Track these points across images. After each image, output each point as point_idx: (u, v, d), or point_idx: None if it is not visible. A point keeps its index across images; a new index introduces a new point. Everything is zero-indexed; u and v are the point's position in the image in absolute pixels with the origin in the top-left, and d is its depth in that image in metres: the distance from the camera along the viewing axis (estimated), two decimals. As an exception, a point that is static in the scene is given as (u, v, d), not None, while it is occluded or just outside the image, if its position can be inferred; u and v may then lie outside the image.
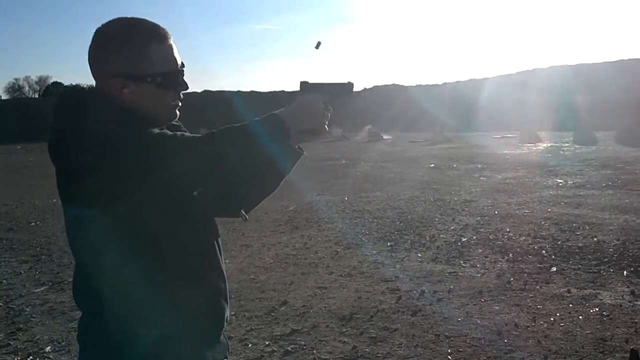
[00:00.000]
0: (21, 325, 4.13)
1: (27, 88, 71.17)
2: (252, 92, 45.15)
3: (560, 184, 10.12)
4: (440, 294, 4.50)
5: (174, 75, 1.32)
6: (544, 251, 5.62)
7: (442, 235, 6.51)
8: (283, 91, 42.82)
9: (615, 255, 5.31)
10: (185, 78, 1.36)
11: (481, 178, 11.53)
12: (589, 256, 5.36)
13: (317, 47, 1.51)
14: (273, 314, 4.18)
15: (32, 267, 5.77)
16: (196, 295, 1.33)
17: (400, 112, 34.94)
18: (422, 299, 4.38)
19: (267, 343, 3.68)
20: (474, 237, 6.33)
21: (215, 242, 1.43)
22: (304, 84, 1.42)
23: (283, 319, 4.08)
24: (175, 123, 1.40)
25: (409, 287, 4.68)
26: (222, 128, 1.24)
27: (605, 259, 5.23)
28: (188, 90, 1.39)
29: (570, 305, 4.14)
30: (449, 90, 40.19)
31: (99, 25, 1.31)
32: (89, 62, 1.31)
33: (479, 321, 3.90)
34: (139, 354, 1.26)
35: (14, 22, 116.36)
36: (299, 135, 1.34)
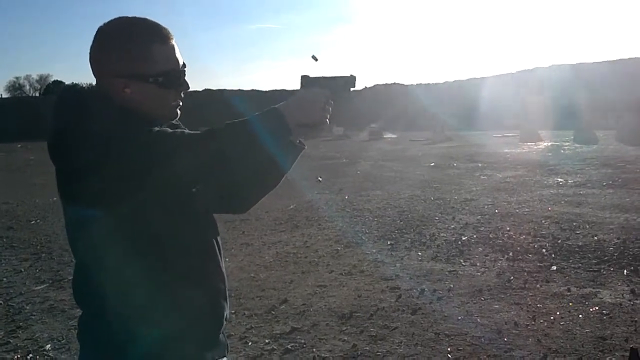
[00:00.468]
0: (21, 323, 4.14)
1: (27, 87, 71.24)
2: (252, 90, 45.11)
3: (561, 183, 10.12)
4: (440, 292, 4.50)
5: (176, 75, 1.32)
6: (544, 250, 5.62)
7: (442, 234, 6.51)
8: (284, 90, 42.78)
9: (616, 254, 5.31)
10: (186, 78, 1.36)
11: (481, 177, 11.53)
12: (589, 255, 5.36)
13: (315, 59, 1.49)
14: (273, 312, 4.19)
15: (32, 265, 5.78)
16: (198, 295, 1.33)
17: (401, 111, 34.92)
18: (422, 298, 4.39)
19: (267, 341, 3.68)
20: (474, 236, 6.33)
21: (216, 241, 1.43)
22: (304, 78, 1.41)
23: (283, 317, 4.08)
24: (174, 122, 1.40)
25: (409, 286, 4.68)
26: (222, 125, 1.24)
27: (606, 258, 5.23)
28: (189, 90, 1.39)
29: (570, 304, 4.14)
30: (450, 89, 40.16)
31: (100, 24, 1.31)
32: (90, 61, 1.30)
33: (479, 320, 3.90)
34: (140, 354, 1.26)
35: (14, 21, 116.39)
36: (299, 129, 1.32)
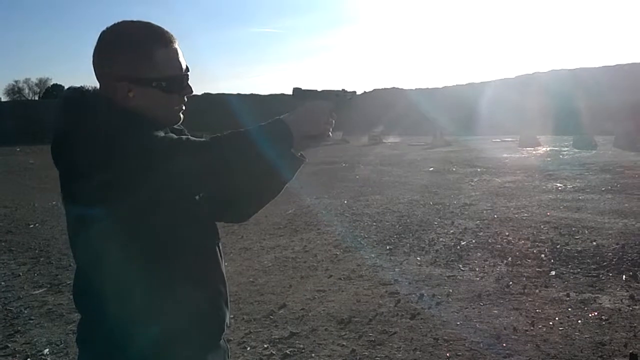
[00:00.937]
0: (19, 328, 4.13)
1: (27, 90, 71.20)
2: (252, 94, 45.15)
3: (560, 188, 10.13)
4: (439, 297, 4.50)
5: (179, 79, 1.33)
6: (543, 255, 5.62)
7: (441, 239, 6.51)
8: (283, 94, 42.82)
9: (614, 260, 5.31)
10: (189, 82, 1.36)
11: (480, 182, 11.54)
12: (588, 260, 5.36)
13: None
14: (272, 317, 4.18)
15: (30, 269, 5.77)
16: (199, 297, 1.33)
17: (400, 115, 34.96)
18: (421, 303, 4.38)
19: (265, 346, 3.67)
20: (473, 241, 6.33)
21: (217, 246, 1.43)
22: (296, 91, 1.41)
23: (282, 322, 4.07)
24: (177, 127, 1.41)
25: (407, 291, 4.67)
26: (227, 133, 1.24)
27: (605, 263, 5.23)
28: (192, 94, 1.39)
29: (569, 309, 4.14)
30: (449, 94, 40.21)
31: (100, 27, 1.31)
32: (94, 65, 1.31)
33: (477, 325, 3.90)
34: (140, 355, 1.26)
35: (14, 24, 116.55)
36: (302, 141, 1.33)
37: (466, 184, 11.29)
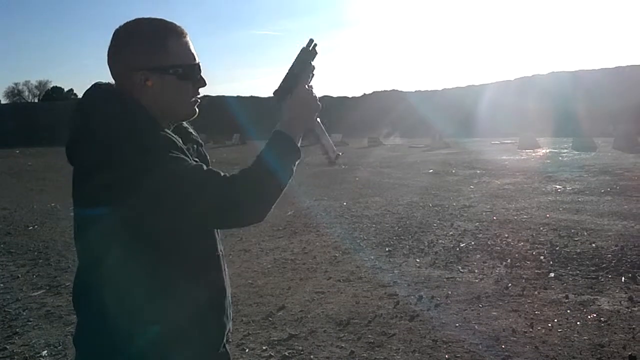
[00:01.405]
0: (18, 329, 4.12)
1: (26, 92, 71.29)
2: (252, 97, 45.22)
3: (559, 190, 10.13)
4: (438, 299, 4.49)
5: (194, 67, 1.35)
6: (542, 257, 5.62)
7: (440, 241, 6.51)
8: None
9: (614, 261, 5.31)
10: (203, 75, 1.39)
11: (480, 184, 11.54)
12: (587, 262, 5.36)
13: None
14: (271, 319, 4.18)
15: (29, 271, 5.76)
16: (200, 298, 1.33)
17: (400, 118, 35.00)
18: (420, 305, 4.38)
19: (264, 348, 3.67)
20: (473, 243, 6.33)
21: (219, 249, 1.43)
22: (275, 92, 1.41)
23: (281, 324, 4.07)
24: (191, 131, 1.44)
25: (406, 293, 4.67)
26: (245, 173, 1.25)
27: (604, 265, 5.23)
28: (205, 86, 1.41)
29: (568, 311, 4.14)
30: (449, 96, 40.28)
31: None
32: (109, 61, 1.32)
33: (476, 327, 3.89)
34: (139, 356, 1.26)
35: (14, 26, 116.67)
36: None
37: (465, 186, 11.30)
